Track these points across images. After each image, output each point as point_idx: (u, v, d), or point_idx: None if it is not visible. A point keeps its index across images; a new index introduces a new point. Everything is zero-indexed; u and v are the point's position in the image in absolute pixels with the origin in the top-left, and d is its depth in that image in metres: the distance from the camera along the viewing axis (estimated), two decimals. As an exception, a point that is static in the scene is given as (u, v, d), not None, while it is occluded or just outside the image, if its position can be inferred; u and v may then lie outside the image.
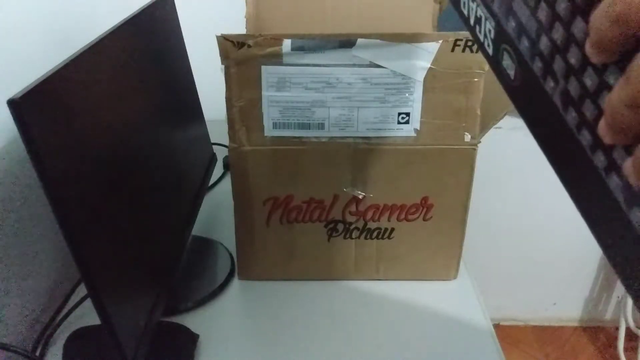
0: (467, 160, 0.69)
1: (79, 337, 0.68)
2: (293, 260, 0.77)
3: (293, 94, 0.65)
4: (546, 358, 1.61)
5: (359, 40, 0.63)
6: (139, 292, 0.60)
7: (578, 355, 1.62)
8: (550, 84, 0.24)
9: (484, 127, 0.71)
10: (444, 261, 0.78)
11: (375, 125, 0.67)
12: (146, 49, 0.71)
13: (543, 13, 0.24)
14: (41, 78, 0.43)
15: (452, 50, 0.63)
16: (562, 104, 0.24)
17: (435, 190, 0.71)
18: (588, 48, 0.20)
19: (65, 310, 0.73)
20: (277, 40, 0.63)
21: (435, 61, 0.64)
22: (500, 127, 0.88)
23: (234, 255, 0.81)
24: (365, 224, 0.74)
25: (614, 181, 0.21)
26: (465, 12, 0.35)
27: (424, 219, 0.73)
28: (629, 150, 0.20)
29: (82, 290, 0.76)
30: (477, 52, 0.64)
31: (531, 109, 0.28)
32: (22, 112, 0.40)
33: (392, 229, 0.74)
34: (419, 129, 0.67)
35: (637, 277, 0.22)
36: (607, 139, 0.20)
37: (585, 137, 0.22)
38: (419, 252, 0.76)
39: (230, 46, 0.63)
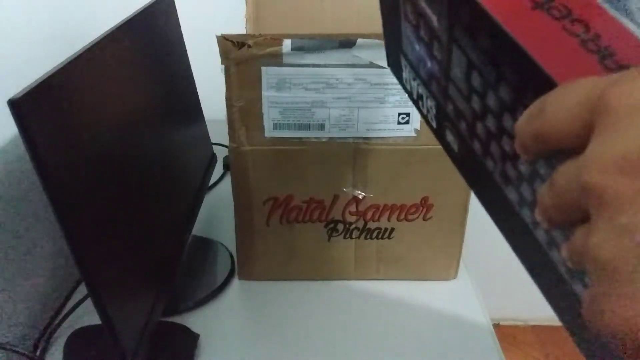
0: (467, 160, 0.69)
1: (79, 337, 0.68)
2: (293, 260, 0.77)
3: (293, 94, 0.65)
4: (546, 358, 1.61)
5: (359, 40, 0.63)
6: (139, 292, 0.60)
7: (578, 355, 1.61)
8: (490, 163, 0.25)
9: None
10: (443, 261, 0.78)
11: (375, 126, 0.67)
12: (146, 49, 0.71)
13: (476, 103, 0.24)
14: (41, 78, 0.43)
15: (452, 50, 0.63)
16: (502, 182, 0.24)
17: (435, 190, 0.71)
18: (515, 146, 0.20)
19: (65, 310, 0.73)
20: (277, 40, 0.63)
21: (435, 61, 0.64)
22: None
23: (234, 255, 0.81)
24: (365, 224, 0.74)
25: (555, 255, 0.21)
26: (408, 88, 0.35)
27: (424, 219, 0.73)
28: (564, 233, 0.19)
29: (82, 290, 0.76)
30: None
31: (475, 180, 0.29)
32: (22, 112, 0.40)
33: (392, 229, 0.74)
34: (419, 129, 0.67)
35: (587, 339, 0.22)
36: (543, 225, 0.20)
37: (525, 214, 0.23)
38: (419, 252, 0.76)
39: (230, 46, 0.63)
